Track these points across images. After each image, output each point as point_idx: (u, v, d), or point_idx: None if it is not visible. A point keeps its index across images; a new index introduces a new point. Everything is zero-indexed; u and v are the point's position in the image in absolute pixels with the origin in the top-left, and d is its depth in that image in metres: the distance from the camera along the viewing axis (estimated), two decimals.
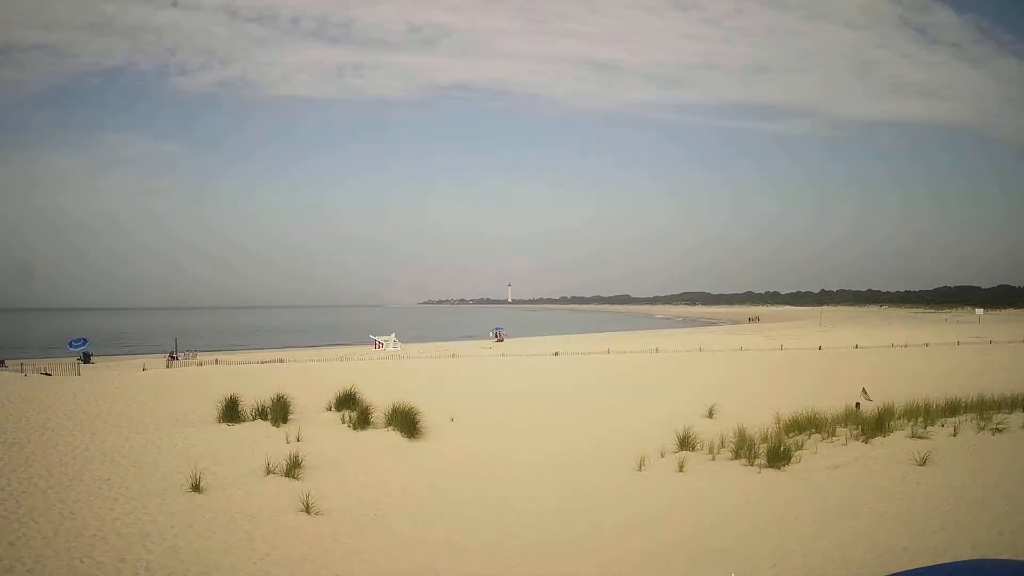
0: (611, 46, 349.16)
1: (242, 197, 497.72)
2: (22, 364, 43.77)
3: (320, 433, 21.48)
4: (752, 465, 17.79)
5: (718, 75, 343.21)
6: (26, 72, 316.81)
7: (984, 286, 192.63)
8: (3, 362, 47.14)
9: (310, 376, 34.87)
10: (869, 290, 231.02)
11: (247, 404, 23.05)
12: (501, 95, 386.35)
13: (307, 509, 14.68)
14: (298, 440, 20.36)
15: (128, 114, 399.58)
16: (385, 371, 39.89)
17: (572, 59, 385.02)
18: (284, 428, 21.74)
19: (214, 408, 22.90)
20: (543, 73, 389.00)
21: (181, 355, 55.41)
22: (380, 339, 71.24)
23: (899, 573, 3.25)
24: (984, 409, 19.96)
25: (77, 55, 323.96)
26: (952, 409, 20.26)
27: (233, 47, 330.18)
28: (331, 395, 24.62)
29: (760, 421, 21.70)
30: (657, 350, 56.54)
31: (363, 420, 22.51)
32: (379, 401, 23.40)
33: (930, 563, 3.46)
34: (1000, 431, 18.41)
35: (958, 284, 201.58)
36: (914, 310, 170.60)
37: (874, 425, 19.26)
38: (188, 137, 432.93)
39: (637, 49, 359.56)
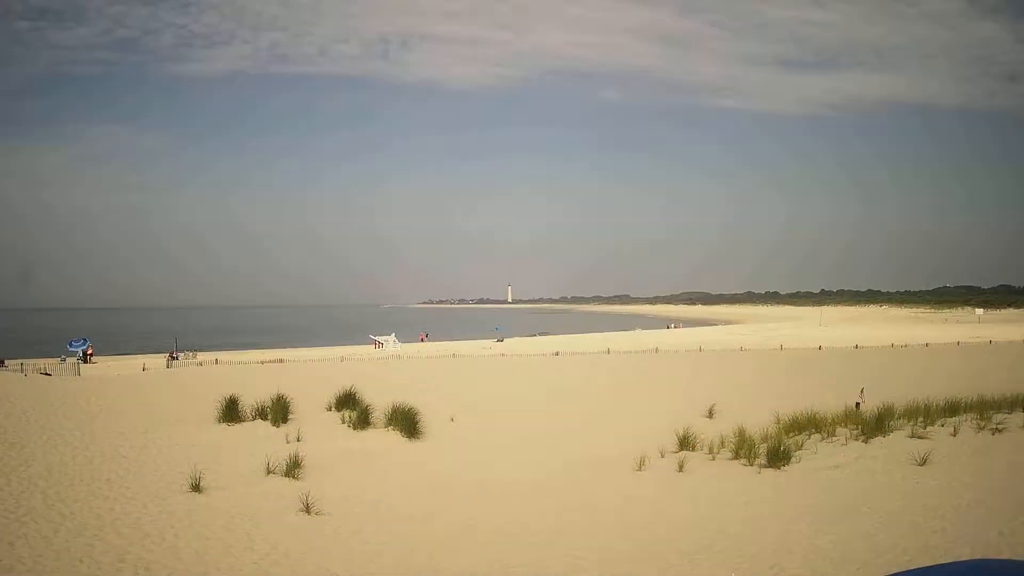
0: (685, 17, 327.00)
1: (235, 193, 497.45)
2: (22, 364, 43.78)
3: (320, 433, 21.48)
4: (752, 465, 17.80)
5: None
6: (26, 46, 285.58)
7: (984, 286, 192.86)
8: (3, 362, 47.17)
9: (310, 376, 34.86)
10: (869, 290, 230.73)
11: (247, 404, 23.05)
12: (546, 77, 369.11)
13: (307, 509, 14.68)
14: (298, 440, 20.36)
15: (140, 100, 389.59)
16: (385, 371, 39.87)
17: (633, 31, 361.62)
18: (284, 428, 21.74)
19: (214, 408, 22.90)
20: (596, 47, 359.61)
21: (181, 355, 55.40)
22: (380, 339, 71.19)
23: (899, 573, 3.24)
24: (984, 409, 19.95)
25: (88, 22, 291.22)
26: (952, 409, 20.26)
27: (263, 15, 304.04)
28: (331, 395, 24.62)
29: (760, 421, 21.69)
30: (657, 350, 56.54)
31: (363, 420, 22.51)
32: (379, 401, 23.40)
33: (930, 563, 3.47)
34: (1000, 431, 18.41)
35: (958, 284, 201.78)
36: (914, 310, 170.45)
37: (874, 425, 19.26)
38: (199, 124, 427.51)
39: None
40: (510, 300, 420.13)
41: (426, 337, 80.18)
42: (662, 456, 19.30)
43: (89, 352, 54.15)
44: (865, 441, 18.76)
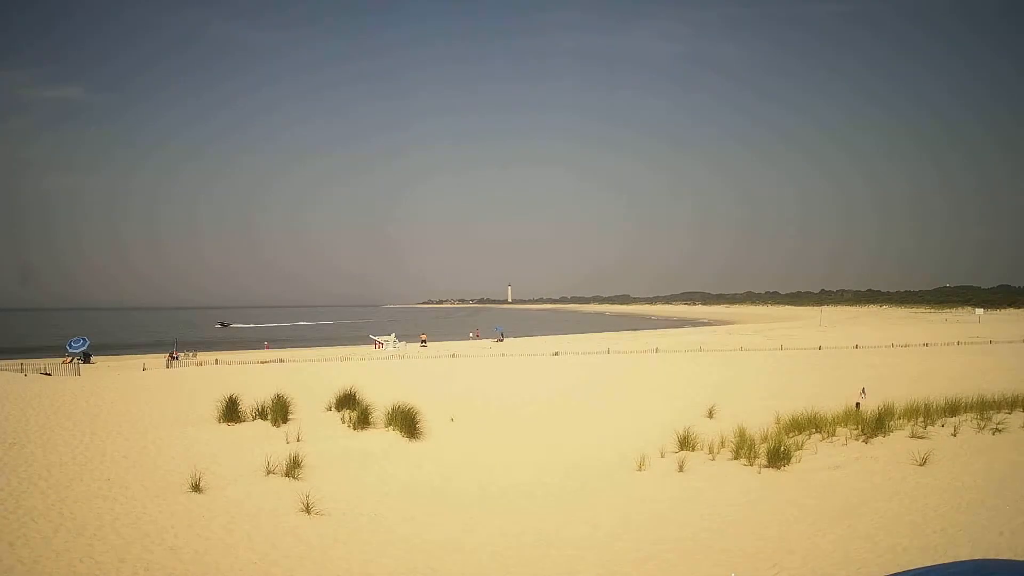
0: None
1: (232, 192, 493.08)
2: (22, 364, 43.76)
3: (320, 433, 21.46)
4: (752, 465, 17.79)
5: None
6: None
7: (984, 286, 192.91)
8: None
9: (310, 376, 34.85)
10: (869, 290, 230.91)
11: (247, 404, 23.03)
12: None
13: (307, 509, 14.67)
14: (298, 440, 20.35)
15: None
16: (385, 371, 39.87)
17: None
18: (284, 428, 21.73)
19: (214, 408, 22.89)
20: None
21: (181, 355, 55.40)
22: (380, 339, 71.25)
23: (899, 573, 3.24)
24: (984, 409, 19.97)
25: None
26: (952, 409, 20.27)
27: None
28: (331, 395, 24.60)
29: (760, 421, 21.68)
30: (657, 350, 56.53)
31: (363, 420, 22.49)
32: (379, 401, 23.38)
33: (930, 563, 3.46)
34: (1000, 431, 18.43)
35: (958, 284, 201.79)
36: (914, 310, 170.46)
37: (874, 425, 19.26)
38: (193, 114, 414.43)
39: None
40: (510, 300, 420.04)
41: (426, 339, 79.67)
42: (662, 456, 19.29)
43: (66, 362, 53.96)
44: (865, 441, 18.76)
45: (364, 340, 75.97)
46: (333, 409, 24.03)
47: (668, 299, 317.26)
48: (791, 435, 19.84)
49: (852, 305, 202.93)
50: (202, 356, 54.99)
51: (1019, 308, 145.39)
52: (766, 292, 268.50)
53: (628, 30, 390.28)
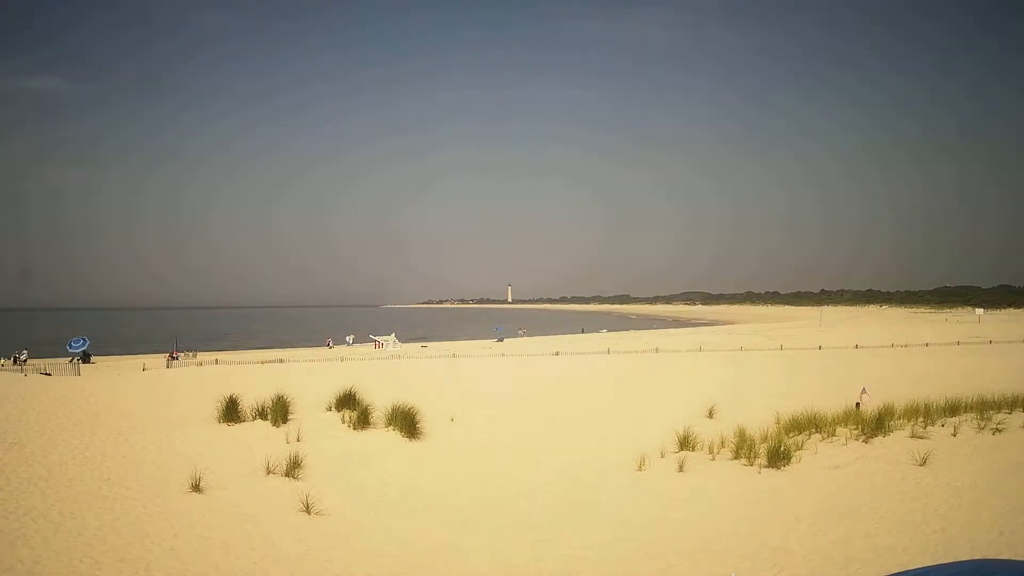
0: None
1: (230, 192, 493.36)
2: (23, 364, 43.76)
3: (320, 433, 21.46)
4: (752, 465, 17.79)
5: None
6: None
7: (984, 286, 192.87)
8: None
9: (310, 376, 34.85)
10: (869, 290, 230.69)
11: (247, 404, 23.02)
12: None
13: (307, 509, 14.67)
14: (298, 440, 20.35)
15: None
16: (385, 371, 39.86)
17: None
18: (284, 428, 21.72)
19: (214, 408, 22.88)
20: None
21: (181, 355, 55.39)
22: (380, 339, 71.27)
23: (899, 573, 3.24)
24: (984, 409, 19.96)
25: None
26: (952, 409, 20.26)
27: None
28: (331, 395, 24.58)
29: (760, 421, 21.67)
30: (657, 350, 56.54)
31: (363, 420, 22.49)
32: (379, 401, 23.37)
33: (930, 563, 3.47)
34: (1000, 431, 18.42)
35: (958, 284, 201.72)
36: (914, 310, 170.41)
37: (874, 425, 19.26)
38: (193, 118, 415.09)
39: None
40: (510, 300, 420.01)
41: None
42: (662, 456, 19.29)
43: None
44: (865, 441, 18.76)
45: (364, 340, 75.95)
46: (333, 409, 24.02)
47: (668, 299, 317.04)
48: (791, 435, 19.83)
49: (852, 305, 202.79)
50: (202, 356, 54.98)
51: (1019, 308, 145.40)
52: (766, 292, 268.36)
53: (626, 29, 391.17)
